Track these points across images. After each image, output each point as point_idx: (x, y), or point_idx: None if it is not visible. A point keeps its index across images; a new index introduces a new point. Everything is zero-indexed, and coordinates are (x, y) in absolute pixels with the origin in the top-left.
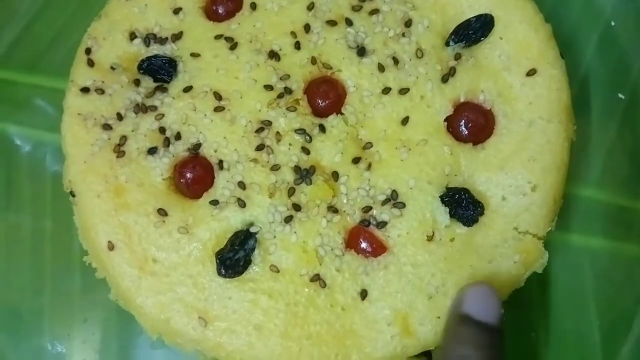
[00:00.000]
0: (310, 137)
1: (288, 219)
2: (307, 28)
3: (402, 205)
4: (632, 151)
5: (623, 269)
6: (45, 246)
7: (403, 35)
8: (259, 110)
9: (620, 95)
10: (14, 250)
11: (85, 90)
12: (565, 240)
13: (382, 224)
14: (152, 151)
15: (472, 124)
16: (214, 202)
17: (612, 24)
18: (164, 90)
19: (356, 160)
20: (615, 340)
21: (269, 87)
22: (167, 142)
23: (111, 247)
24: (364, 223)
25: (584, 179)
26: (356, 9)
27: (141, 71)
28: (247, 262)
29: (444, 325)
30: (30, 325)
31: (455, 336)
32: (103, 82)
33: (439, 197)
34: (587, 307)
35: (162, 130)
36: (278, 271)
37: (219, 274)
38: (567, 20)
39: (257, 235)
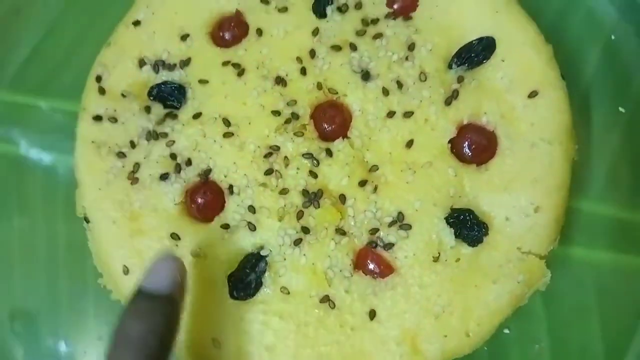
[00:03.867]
0: (318, 161)
1: (297, 242)
2: (312, 53)
3: (409, 227)
4: (633, 164)
5: (625, 282)
6: (60, 267)
7: (407, 59)
8: (267, 136)
9: (621, 109)
10: (30, 265)
11: (97, 118)
12: (568, 253)
13: (389, 246)
14: (164, 177)
15: (475, 145)
16: (225, 226)
17: (612, 37)
18: (174, 117)
19: (363, 183)
20: (618, 352)
21: (276, 113)
22: (178, 168)
23: (126, 271)
24: (372, 245)
25: (586, 193)
26: (360, 33)
27: (151, 98)
28: (258, 285)
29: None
30: (47, 342)
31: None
32: (115, 110)
33: (444, 218)
34: (590, 320)
35: (173, 156)
36: (288, 293)
37: (232, 296)
38: (568, 34)
39: (267, 258)
